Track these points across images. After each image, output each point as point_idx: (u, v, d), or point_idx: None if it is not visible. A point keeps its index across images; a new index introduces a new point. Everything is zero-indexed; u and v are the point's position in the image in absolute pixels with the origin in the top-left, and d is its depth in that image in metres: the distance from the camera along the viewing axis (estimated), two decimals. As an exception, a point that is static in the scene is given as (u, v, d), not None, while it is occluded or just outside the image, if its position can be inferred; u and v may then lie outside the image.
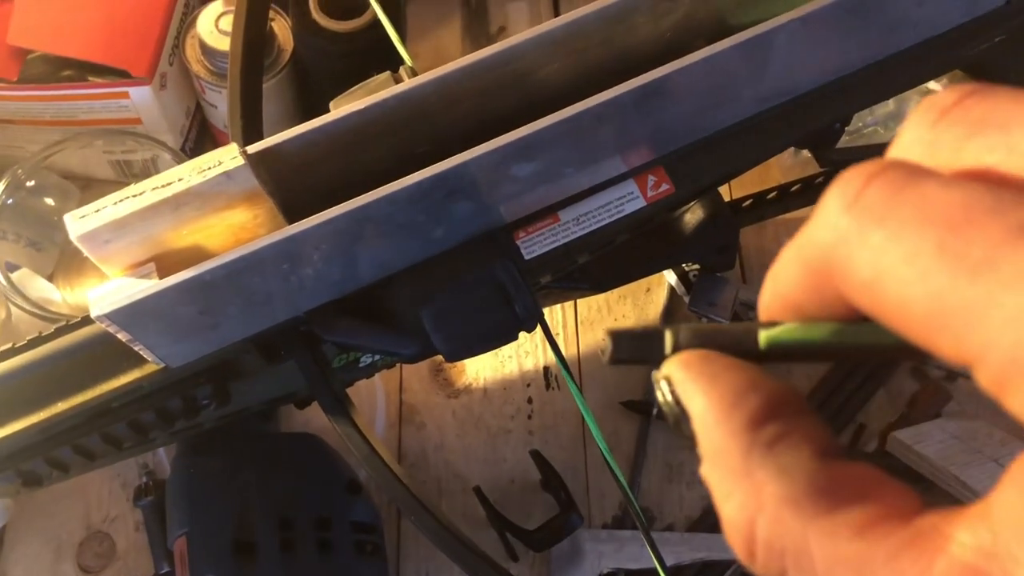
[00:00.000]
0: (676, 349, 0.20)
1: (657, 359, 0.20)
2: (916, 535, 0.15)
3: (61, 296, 0.61)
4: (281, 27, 0.60)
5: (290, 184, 0.36)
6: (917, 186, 0.15)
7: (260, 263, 0.33)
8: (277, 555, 0.45)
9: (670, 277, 0.63)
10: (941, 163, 0.16)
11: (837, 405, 0.60)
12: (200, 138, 0.66)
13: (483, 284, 0.37)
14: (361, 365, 0.46)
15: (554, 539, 0.53)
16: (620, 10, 0.36)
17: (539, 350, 0.63)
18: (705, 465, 0.18)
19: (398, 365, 0.59)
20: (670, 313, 0.63)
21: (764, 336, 0.19)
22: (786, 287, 0.18)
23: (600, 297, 0.64)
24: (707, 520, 0.58)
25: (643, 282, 0.64)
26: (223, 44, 0.57)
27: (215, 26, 0.58)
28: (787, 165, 0.65)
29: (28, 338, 0.39)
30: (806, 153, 0.50)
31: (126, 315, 0.33)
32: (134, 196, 0.32)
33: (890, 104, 0.63)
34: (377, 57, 0.49)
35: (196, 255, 0.34)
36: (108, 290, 0.33)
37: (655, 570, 0.42)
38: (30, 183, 0.60)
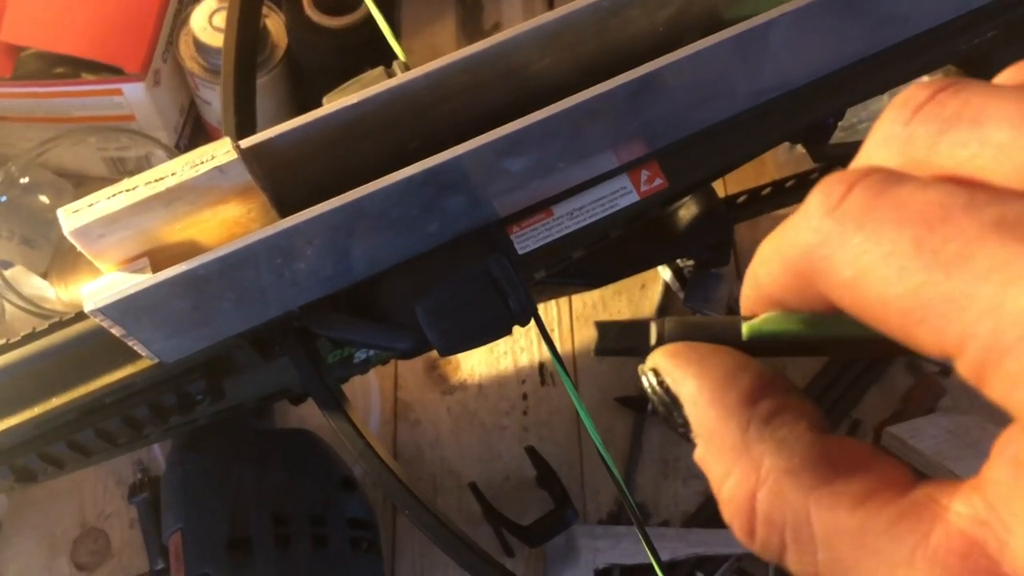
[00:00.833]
0: (661, 340, 0.20)
1: (643, 350, 0.20)
2: (913, 505, 0.16)
3: (55, 293, 0.61)
4: (274, 23, 0.60)
5: (283, 178, 0.35)
6: (896, 189, 0.16)
7: (253, 257, 0.33)
8: (272, 551, 0.45)
9: (665, 273, 0.63)
10: (915, 159, 0.17)
11: (831, 401, 0.60)
12: (194, 135, 0.66)
13: (477, 278, 0.37)
14: (356, 361, 0.46)
15: (549, 535, 0.53)
16: (614, 4, 0.36)
17: (534, 346, 0.63)
18: (700, 449, 0.19)
19: (393, 362, 0.59)
20: (665, 309, 0.64)
21: (747, 327, 0.20)
22: (767, 285, 0.19)
23: (595, 293, 0.64)
24: (702, 516, 0.58)
25: (638, 278, 0.64)
26: (217, 41, 0.57)
27: (208, 23, 0.58)
28: (781, 161, 0.65)
29: (22, 334, 0.39)
30: (800, 149, 0.50)
31: (120, 309, 0.33)
32: (127, 191, 0.32)
33: (883, 99, 0.64)
34: (371, 53, 0.49)
35: (189, 249, 0.34)
36: (102, 285, 0.33)
37: (650, 566, 0.42)
38: (24, 180, 0.60)
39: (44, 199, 0.62)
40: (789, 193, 0.60)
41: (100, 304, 0.32)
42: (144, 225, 0.33)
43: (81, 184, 0.64)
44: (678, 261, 0.62)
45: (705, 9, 0.38)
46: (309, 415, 0.58)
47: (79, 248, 0.33)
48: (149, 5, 0.58)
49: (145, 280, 0.32)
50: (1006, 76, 0.18)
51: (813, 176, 0.59)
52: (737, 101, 0.38)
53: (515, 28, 0.35)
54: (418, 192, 0.34)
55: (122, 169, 0.63)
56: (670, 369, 0.20)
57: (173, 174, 0.32)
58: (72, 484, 0.58)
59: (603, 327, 0.21)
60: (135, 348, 0.36)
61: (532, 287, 0.45)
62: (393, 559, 0.57)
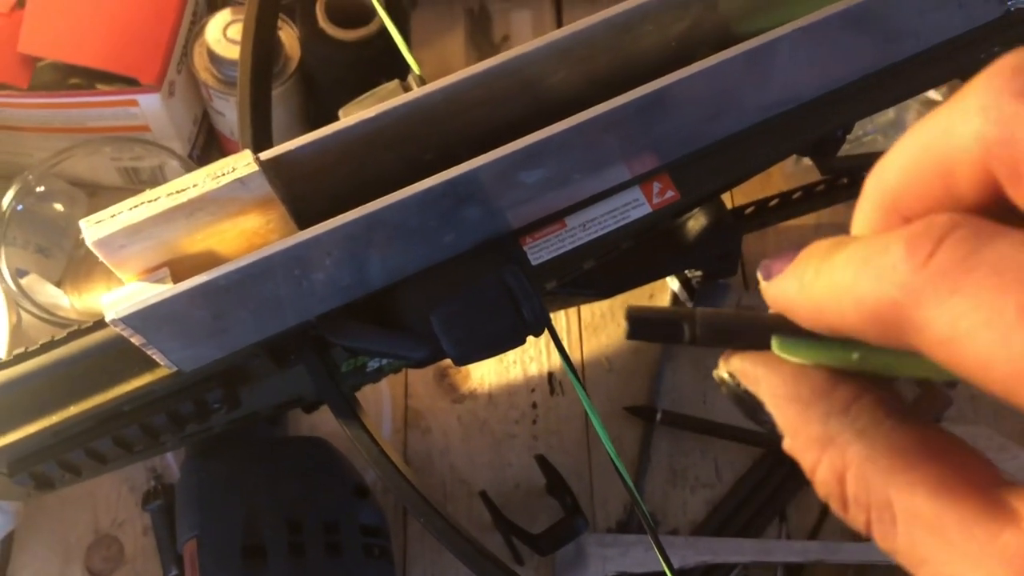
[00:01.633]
0: (693, 340, 0.21)
1: (675, 341, 0.21)
2: (988, 505, 0.16)
3: (69, 301, 0.61)
4: (288, 36, 0.60)
5: (302, 190, 0.36)
6: (989, 249, 0.15)
7: (273, 268, 0.34)
8: (286, 558, 0.46)
9: (673, 283, 0.64)
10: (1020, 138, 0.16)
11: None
12: (207, 145, 0.67)
13: (492, 289, 0.37)
14: (368, 370, 0.46)
15: (559, 543, 0.54)
16: (627, 19, 0.36)
17: (543, 356, 0.63)
18: (787, 441, 0.20)
19: (404, 370, 0.60)
20: (673, 319, 0.64)
21: (777, 345, 0.20)
22: (831, 320, 0.18)
23: (604, 303, 0.65)
24: (711, 524, 0.58)
25: (646, 288, 0.64)
26: (231, 52, 0.58)
27: (223, 35, 0.58)
28: (789, 172, 0.66)
29: (40, 342, 0.39)
30: (807, 161, 0.51)
31: (141, 319, 0.33)
32: (149, 202, 0.33)
33: (890, 112, 0.64)
34: (383, 65, 0.49)
35: (209, 260, 0.34)
36: (123, 294, 0.34)
37: (659, 574, 0.42)
38: (39, 189, 0.60)
39: (59, 208, 0.63)
40: (796, 204, 0.61)
41: (122, 314, 0.33)
42: (165, 236, 0.34)
43: (95, 193, 0.64)
44: (686, 271, 0.62)
45: (717, 24, 0.38)
46: (320, 423, 0.58)
47: (101, 258, 0.34)
48: (164, 17, 0.58)
49: (166, 290, 0.33)
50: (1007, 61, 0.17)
51: (819, 188, 0.60)
52: (747, 115, 0.39)
53: (530, 43, 0.36)
54: (437, 203, 0.34)
55: (136, 179, 0.64)
56: (743, 372, 0.21)
57: (195, 186, 0.33)
58: (86, 491, 0.58)
59: (634, 316, 0.22)
60: (154, 357, 0.36)
61: (543, 297, 0.46)
62: (404, 566, 0.58)
